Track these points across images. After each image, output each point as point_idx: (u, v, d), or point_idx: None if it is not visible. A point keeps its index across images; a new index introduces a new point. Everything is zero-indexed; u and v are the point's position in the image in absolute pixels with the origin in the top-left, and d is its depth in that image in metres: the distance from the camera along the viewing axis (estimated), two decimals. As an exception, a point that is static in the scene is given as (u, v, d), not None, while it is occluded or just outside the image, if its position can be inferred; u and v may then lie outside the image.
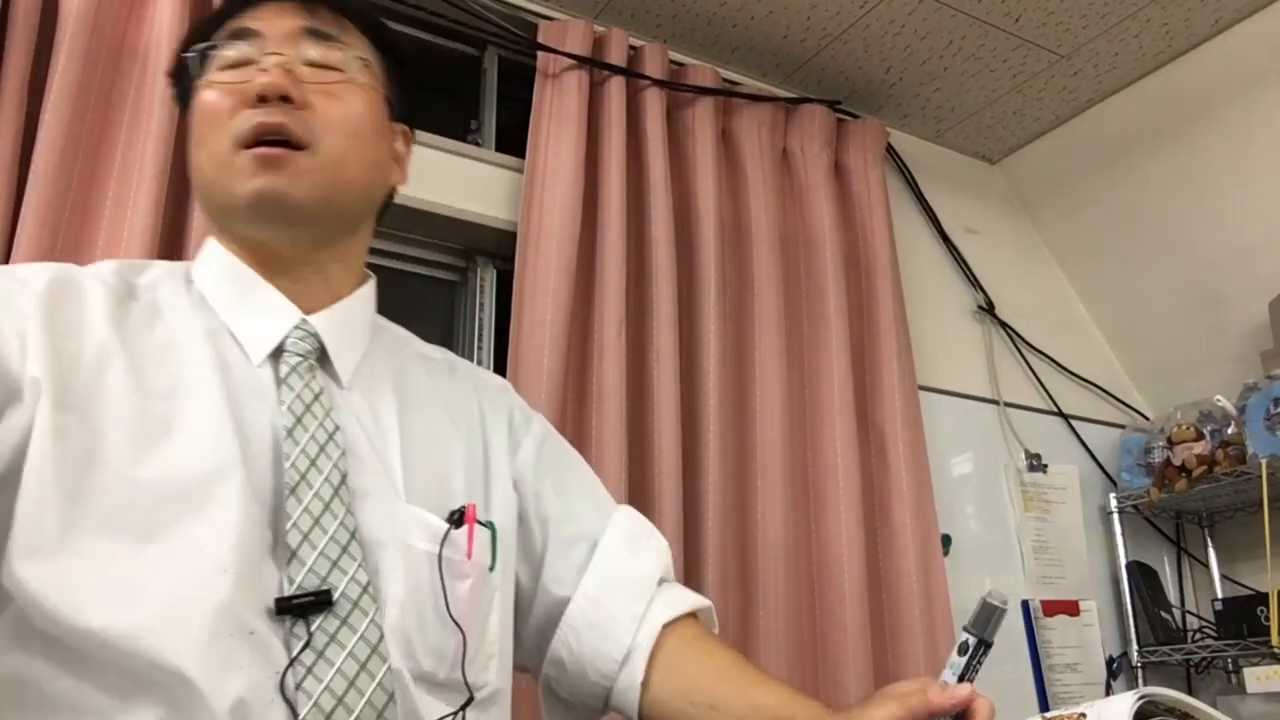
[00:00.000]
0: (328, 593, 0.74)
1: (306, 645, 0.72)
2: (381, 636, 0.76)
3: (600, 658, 0.94)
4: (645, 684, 0.93)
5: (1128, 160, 2.32)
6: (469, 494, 0.91)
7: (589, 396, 1.67)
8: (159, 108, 1.39)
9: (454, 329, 1.84)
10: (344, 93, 0.88)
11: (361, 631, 0.75)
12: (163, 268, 0.90)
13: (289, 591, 0.74)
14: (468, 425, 0.96)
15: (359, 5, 0.95)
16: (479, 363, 1.75)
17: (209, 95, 0.86)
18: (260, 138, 0.83)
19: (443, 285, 1.87)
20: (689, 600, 0.99)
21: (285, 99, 0.84)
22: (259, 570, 0.74)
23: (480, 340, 1.79)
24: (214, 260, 0.90)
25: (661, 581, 0.99)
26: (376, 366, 0.93)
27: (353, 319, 0.93)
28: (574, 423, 1.64)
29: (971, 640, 0.74)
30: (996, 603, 0.74)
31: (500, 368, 1.66)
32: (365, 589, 0.76)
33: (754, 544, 1.74)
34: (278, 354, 0.85)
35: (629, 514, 1.05)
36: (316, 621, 0.73)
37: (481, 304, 1.82)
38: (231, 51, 0.87)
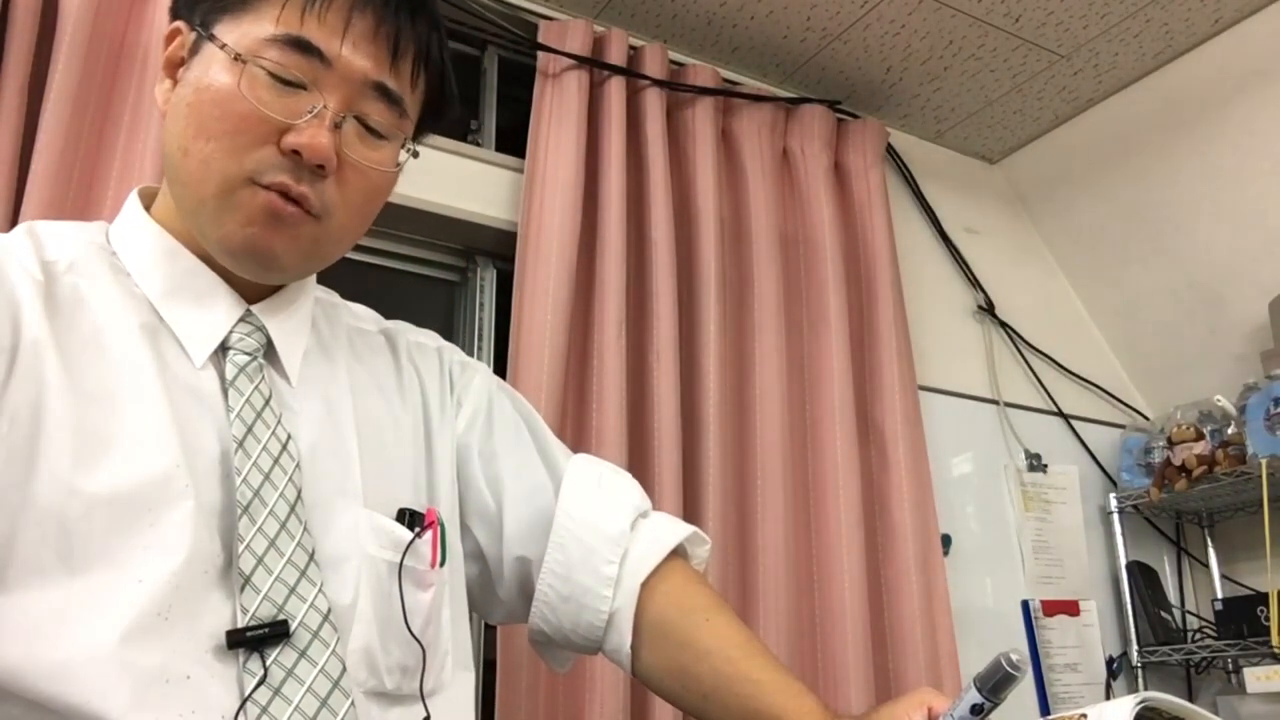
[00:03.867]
0: (284, 623, 0.69)
1: (261, 682, 0.67)
2: (344, 670, 0.71)
3: (581, 625, 0.92)
4: (635, 651, 0.91)
5: (1127, 160, 2.32)
6: (419, 484, 0.87)
7: (589, 396, 1.67)
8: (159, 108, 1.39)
9: (454, 329, 1.84)
10: (376, 173, 0.81)
11: (322, 664, 0.70)
12: (76, 238, 0.80)
13: (242, 622, 0.68)
14: (412, 406, 0.91)
15: (442, 53, 0.85)
16: (479, 363, 1.75)
17: (235, 95, 0.74)
18: (278, 192, 0.75)
19: (443, 285, 1.87)
20: (666, 541, 0.94)
21: (319, 167, 0.75)
22: (206, 602, 0.68)
23: (480, 340, 1.79)
24: (143, 233, 0.81)
25: (636, 522, 0.95)
26: (322, 353, 0.87)
27: (297, 304, 0.86)
28: (574, 423, 1.64)
29: (986, 704, 0.72)
30: (1015, 672, 0.70)
31: (500, 368, 1.66)
32: (326, 617, 0.72)
33: (754, 544, 1.74)
34: (221, 351, 0.78)
35: (586, 462, 1.00)
36: (272, 655, 0.68)
37: (481, 304, 1.82)
38: (285, 61, 0.75)
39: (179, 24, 0.82)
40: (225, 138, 0.74)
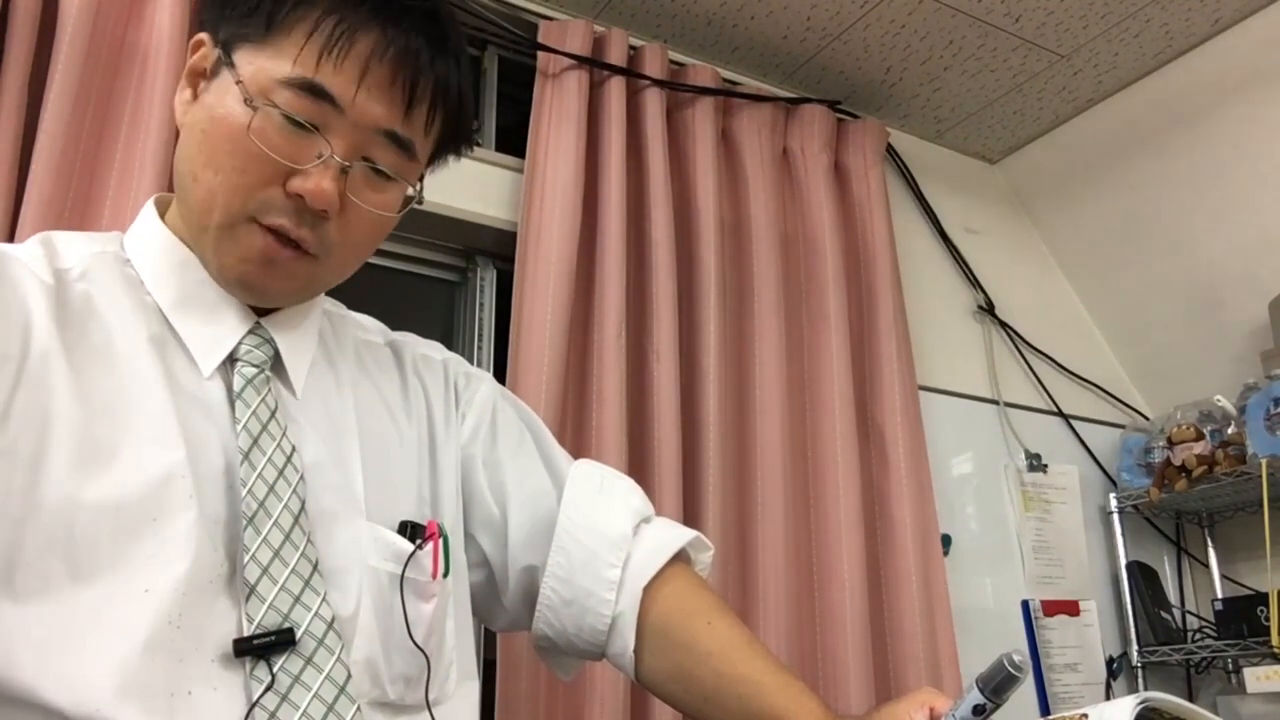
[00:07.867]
0: (290, 631, 0.70)
1: (269, 688, 0.68)
2: (349, 676, 0.72)
3: (584, 629, 0.92)
4: (638, 655, 0.91)
5: (1128, 160, 2.32)
6: (423, 496, 0.88)
7: (589, 396, 1.67)
8: (159, 108, 1.39)
9: (454, 329, 1.84)
10: (378, 216, 0.81)
11: (328, 671, 0.71)
12: (90, 248, 0.80)
13: (248, 631, 0.69)
14: (417, 418, 0.92)
15: (461, 85, 0.84)
16: (478, 363, 1.75)
17: (246, 134, 0.75)
18: (278, 233, 0.76)
19: (443, 285, 1.87)
20: (669, 545, 0.95)
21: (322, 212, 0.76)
22: (211, 612, 0.69)
23: (480, 340, 1.79)
24: (157, 242, 0.82)
25: (639, 527, 0.95)
26: (328, 366, 0.88)
27: (306, 317, 0.87)
28: (574, 423, 1.64)
29: (988, 704, 0.72)
30: (1016, 673, 0.71)
31: (500, 368, 1.66)
32: (330, 625, 0.73)
33: (754, 544, 1.74)
34: (229, 363, 0.79)
35: (588, 466, 1.00)
36: (279, 662, 0.69)
37: (481, 304, 1.82)
38: (298, 105, 0.75)
39: (204, 35, 0.82)
40: (233, 174, 0.75)
